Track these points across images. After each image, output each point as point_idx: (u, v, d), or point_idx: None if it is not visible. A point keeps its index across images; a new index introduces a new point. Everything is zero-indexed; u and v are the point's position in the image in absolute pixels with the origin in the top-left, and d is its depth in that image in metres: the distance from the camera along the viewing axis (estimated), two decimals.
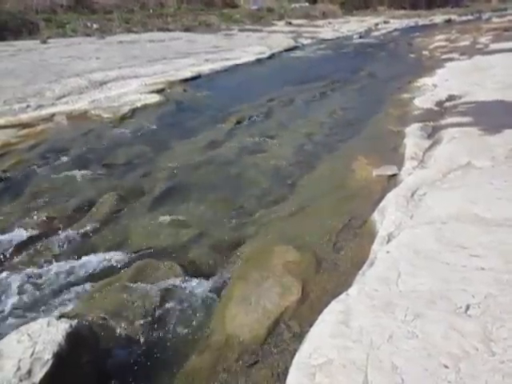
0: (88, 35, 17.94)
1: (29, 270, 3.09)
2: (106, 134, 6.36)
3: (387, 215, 3.20)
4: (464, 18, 36.57)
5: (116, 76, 10.07)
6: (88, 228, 3.68)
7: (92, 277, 3.02)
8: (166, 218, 3.81)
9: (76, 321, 2.14)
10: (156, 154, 5.52)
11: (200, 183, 4.59)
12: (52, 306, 2.72)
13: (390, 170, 4.31)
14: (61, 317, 2.34)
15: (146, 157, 5.43)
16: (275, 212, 3.84)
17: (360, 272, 2.61)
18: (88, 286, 2.90)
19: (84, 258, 3.24)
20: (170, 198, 4.23)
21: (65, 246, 3.45)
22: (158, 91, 8.86)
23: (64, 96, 8.22)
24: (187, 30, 22.01)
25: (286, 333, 2.42)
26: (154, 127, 6.66)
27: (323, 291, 2.69)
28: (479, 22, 29.47)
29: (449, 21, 34.12)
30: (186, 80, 10.15)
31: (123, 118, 7.16)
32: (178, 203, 4.13)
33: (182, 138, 6.13)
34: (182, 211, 3.95)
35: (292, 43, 18.58)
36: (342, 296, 2.26)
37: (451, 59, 11.81)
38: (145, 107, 7.74)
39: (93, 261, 3.22)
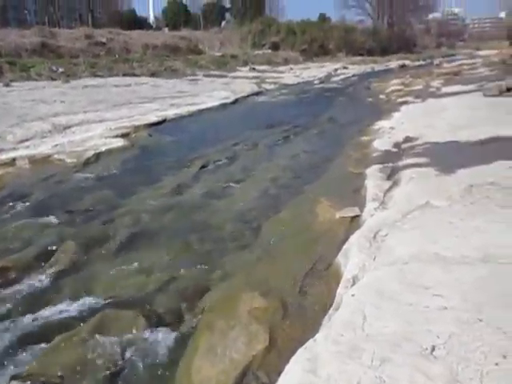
0: (53, 79, 17.86)
1: None
2: (68, 179, 6.25)
3: (351, 257, 3.25)
4: (417, 64, 39.04)
5: (81, 120, 10.04)
6: (46, 278, 3.54)
7: (50, 331, 2.87)
8: (130, 266, 3.72)
9: (29, 382, 2.01)
10: (120, 199, 5.45)
11: (165, 229, 4.53)
12: (4, 366, 2.55)
13: (352, 212, 4.41)
14: (12, 379, 2.19)
15: (110, 202, 5.34)
16: (241, 257, 3.82)
17: (326, 317, 2.61)
18: (45, 341, 2.76)
19: (41, 311, 3.09)
20: (134, 245, 4.14)
21: (20, 297, 3.28)
22: (124, 136, 8.86)
23: (26, 140, 8.09)
24: (153, 75, 22.34)
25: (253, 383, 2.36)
26: (119, 172, 6.61)
27: (290, 338, 2.66)
28: (431, 67, 31.46)
29: (403, 66, 36.28)
30: (151, 125, 10.21)
31: (87, 162, 7.08)
32: (142, 250, 4.04)
33: (147, 182, 6.10)
34: (146, 258, 3.86)
35: (256, 88, 19.16)
36: (309, 343, 2.24)
37: (406, 102, 12.44)
38: (109, 152, 7.68)
39: (51, 313, 3.08)
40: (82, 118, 10.23)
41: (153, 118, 10.81)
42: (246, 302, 2.99)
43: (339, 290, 2.89)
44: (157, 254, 3.93)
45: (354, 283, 2.86)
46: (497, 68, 20.26)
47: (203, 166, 6.84)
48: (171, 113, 11.78)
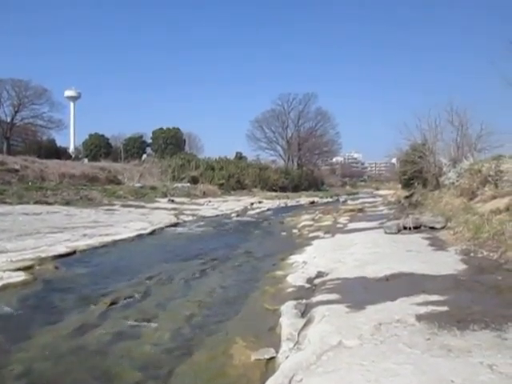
0: None
1: None
2: None
3: None
4: (325, 200, 42.73)
5: None
6: None
7: None
8: None
9: None
10: (12, 344, 4.82)
11: (61, 379, 4.00)
12: None
13: (267, 354, 4.29)
14: None
15: None
16: None
17: None
18: None
19: None
20: None
21: None
22: (26, 269, 8.16)
23: None
24: (67, 203, 21.88)
25: None
26: (15, 311, 5.94)
27: None
28: (337, 203, 34.50)
29: (313, 202, 39.40)
30: (59, 256, 9.61)
31: None
32: None
33: (47, 323, 5.52)
34: None
35: (174, 220, 19.31)
36: None
37: (317, 237, 13.20)
38: (6, 287, 6.98)
39: None
40: None
41: (61, 249, 10.22)
42: None
43: None
44: None
45: None
46: (394, 207, 22.73)
47: (113, 303, 6.40)
48: (83, 243, 11.29)
